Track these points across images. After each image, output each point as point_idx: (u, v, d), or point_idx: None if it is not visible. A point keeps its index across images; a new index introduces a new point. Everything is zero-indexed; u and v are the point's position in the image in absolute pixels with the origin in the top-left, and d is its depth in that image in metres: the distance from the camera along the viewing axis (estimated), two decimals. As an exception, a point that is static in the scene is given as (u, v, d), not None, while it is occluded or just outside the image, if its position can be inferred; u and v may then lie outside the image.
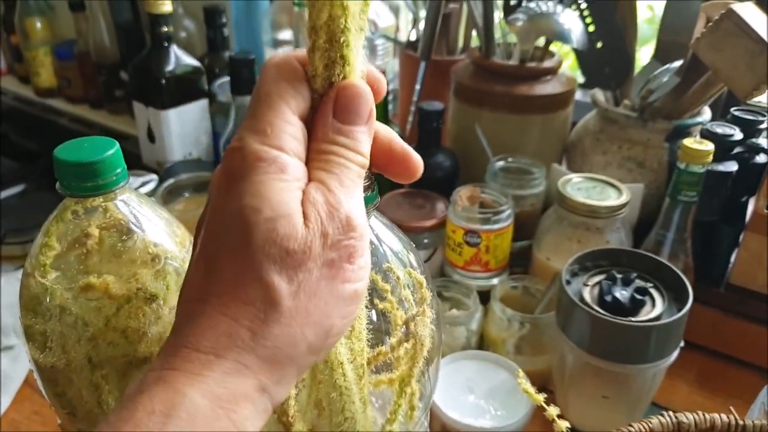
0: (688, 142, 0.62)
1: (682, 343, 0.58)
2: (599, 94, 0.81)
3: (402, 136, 0.87)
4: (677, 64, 0.72)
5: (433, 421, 0.59)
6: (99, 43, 1.11)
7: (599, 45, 0.79)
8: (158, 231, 0.38)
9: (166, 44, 0.92)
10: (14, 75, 1.39)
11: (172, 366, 0.24)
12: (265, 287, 0.24)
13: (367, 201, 0.33)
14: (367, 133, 0.28)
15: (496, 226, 0.70)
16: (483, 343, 0.70)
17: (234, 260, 0.25)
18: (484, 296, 0.71)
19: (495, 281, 0.73)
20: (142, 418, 0.22)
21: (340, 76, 0.28)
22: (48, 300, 0.35)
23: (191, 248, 0.40)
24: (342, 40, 0.27)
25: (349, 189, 0.27)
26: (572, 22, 0.77)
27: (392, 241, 0.38)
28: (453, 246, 0.73)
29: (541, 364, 0.66)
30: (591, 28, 0.78)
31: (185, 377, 0.23)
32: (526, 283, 0.72)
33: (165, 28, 0.91)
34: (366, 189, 0.33)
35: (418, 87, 0.90)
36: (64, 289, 0.35)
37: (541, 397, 0.40)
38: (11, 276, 0.80)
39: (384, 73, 0.84)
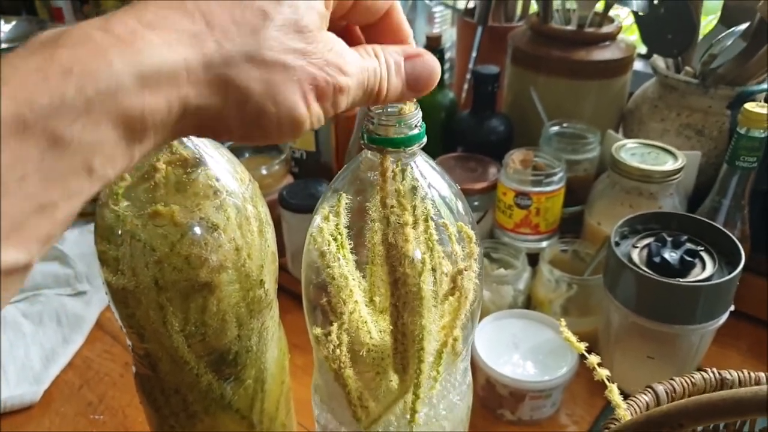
0: (749, 105, 0.61)
1: (732, 307, 0.57)
2: (659, 61, 0.79)
3: (457, 103, 0.89)
4: (743, 27, 0.70)
5: (478, 374, 0.61)
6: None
7: (662, 10, 0.77)
8: (220, 168, 0.40)
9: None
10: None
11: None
12: None
13: (414, 139, 0.35)
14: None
15: (547, 189, 0.70)
16: (530, 304, 0.71)
17: None
18: (533, 259, 0.72)
19: (544, 244, 0.74)
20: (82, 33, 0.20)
21: None
22: (119, 227, 0.38)
23: (250, 184, 0.43)
24: None
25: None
26: (633, -15, 0.75)
27: (441, 185, 0.39)
28: (503, 208, 0.73)
29: (587, 326, 0.67)
30: (653, -8, 0.77)
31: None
32: (576, 247, 0.72)
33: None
34: (413, 128, 0.35)
35: (474, 54, 0.90)
36: (133, 217, 0.38)
37: (582, 346, 0.41)
38: (83, 229, 0.86)
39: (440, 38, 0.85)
